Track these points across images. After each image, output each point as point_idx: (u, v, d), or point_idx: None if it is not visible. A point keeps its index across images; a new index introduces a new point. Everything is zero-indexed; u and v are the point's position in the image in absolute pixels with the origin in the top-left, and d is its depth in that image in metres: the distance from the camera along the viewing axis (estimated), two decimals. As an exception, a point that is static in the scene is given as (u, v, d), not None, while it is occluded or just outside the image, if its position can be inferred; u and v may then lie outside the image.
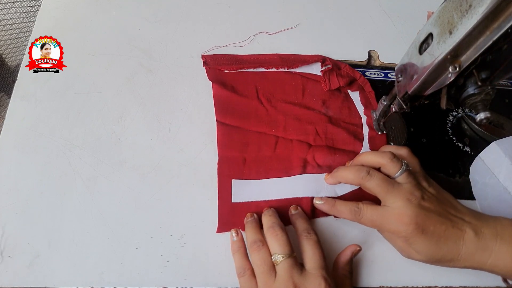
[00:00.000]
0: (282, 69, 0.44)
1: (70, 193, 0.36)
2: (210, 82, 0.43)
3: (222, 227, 0.35)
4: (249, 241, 0.33)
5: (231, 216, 0.36)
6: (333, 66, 0.43)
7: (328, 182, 0.37)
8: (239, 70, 0.44)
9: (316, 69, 0.45)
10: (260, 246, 0.32)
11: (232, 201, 0.36)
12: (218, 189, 0.37)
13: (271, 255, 0.31)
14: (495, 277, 0.36)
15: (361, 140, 0.41)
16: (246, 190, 0.37)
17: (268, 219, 0.34)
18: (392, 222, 0.31)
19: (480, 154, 0.40)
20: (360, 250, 0.35)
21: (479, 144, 0.42)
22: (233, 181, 0.37)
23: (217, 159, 0.38)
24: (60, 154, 0.38)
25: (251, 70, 0.44)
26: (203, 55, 0.44)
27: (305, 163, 0.39)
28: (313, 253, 0.31)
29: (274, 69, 0.44)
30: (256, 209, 0.36)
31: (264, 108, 0.42)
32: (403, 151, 0.36)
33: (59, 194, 0.36)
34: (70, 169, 0.37)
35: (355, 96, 0.44)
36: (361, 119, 0.43)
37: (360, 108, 0.43)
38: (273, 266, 0.31)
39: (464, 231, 0.30)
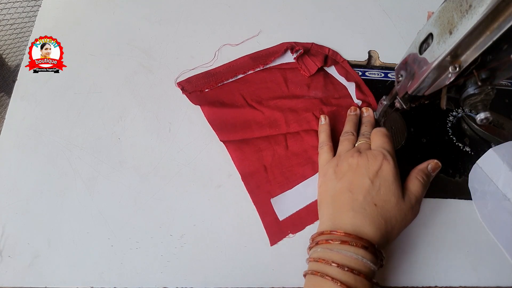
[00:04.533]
0: (258, 69, 0.44)
1: (70, 193, 0.36)
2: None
3: (274, 239, 0.35)
4: (344, 130, 0.38)
5: (280, 229, 0.36)
6: (303, 50, 0.44)
7: None
8: (219, 84, 0.43)
9: (289, 58, 0.45)
10: (351, 135, 0.37)
11: (280, 219, 0.36)
12: (256, 206, 0.37)
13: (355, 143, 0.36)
14: (495, 277, 0.36)
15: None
16: (286, 204, 0.37)
17: (365, 129, 0.38)
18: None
19: (478, 161, 0.40)
20: (439, 166, 0.35)
21: (479, 144, 0.42)
22: (272, 200, 0.37)
23: (240, 177, 0.38)
24: (60, 154, 0.38)
25: (230, 80, 0.43)
26: (178, 83, 0.42)
27: None
28: (379, 139, 0.34)
29: (251, 71, 0.44)
30: (299, 217, 0.36)
31: (259, 111, 0.41)
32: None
33: (59, 194, 0.36)
34: (70, 169, 0.38)
35: (331, 70, 0.45)
36: (347, 89, 0.44)
37: (342, 80, 0.44)
38: (353, 145, 0.36)
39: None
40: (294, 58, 0.44)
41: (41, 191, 0.36)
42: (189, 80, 0.43)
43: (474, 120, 0.43)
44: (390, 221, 0.30)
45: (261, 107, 0.42)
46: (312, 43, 0.45)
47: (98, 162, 0.38)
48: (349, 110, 0.41)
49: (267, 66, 0.44)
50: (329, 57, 0.45)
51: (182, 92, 0.41)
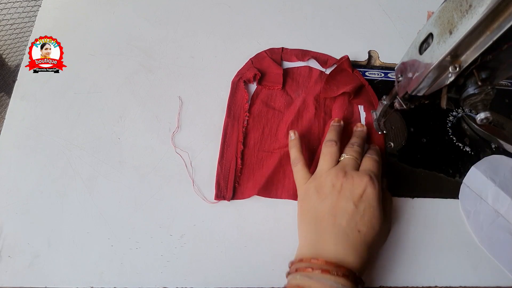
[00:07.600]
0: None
1: (70, 193, 0.36)
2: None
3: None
4: (326, 139, 0.36)
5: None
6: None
7: None
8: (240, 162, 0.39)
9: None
10: (333, 144, 0.35)
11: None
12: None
13: (339, 156, 0.35)
14: (495, 277, 0.36)
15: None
16: None
17: (355, 140, 0.37)
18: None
19: (464, 180, 0.40)
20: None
21: (479, 144, 0.42)
22: None
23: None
24: (60, 154, 0.38)
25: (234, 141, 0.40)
26: (216, 197, 0.37)
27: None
28: (369, 163, 0.33)
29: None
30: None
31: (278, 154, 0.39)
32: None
33: (59, 194, 0.36)
34: (70, 169, 0.38)
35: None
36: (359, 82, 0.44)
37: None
38: (337, 160, 0.34)
39: None
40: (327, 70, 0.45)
41: (41, 191, 0.36)
42: (217, 184, 0.37)
43: (474, 120, 0.43)
44: (372, 247, 0.30)
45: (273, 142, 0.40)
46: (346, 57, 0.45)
47: (98, 162, 0.38)
48: (332, 121, 0.39)
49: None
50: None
51: (229, 200, 0.37)
